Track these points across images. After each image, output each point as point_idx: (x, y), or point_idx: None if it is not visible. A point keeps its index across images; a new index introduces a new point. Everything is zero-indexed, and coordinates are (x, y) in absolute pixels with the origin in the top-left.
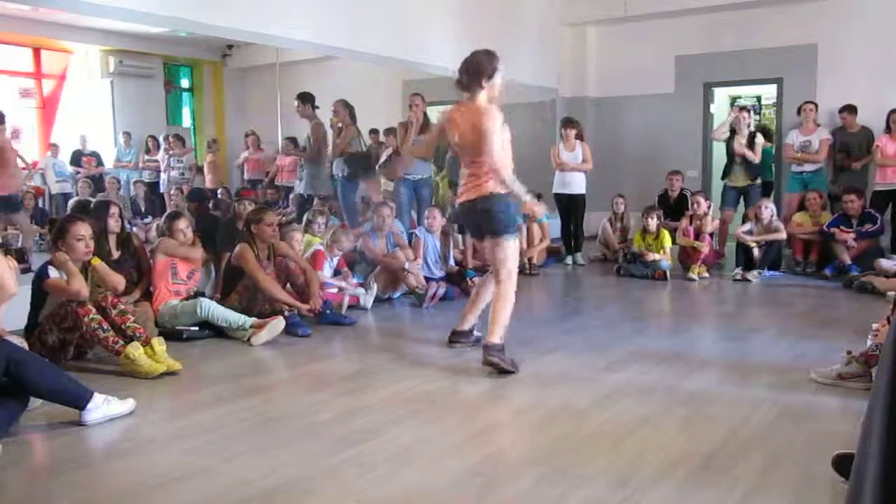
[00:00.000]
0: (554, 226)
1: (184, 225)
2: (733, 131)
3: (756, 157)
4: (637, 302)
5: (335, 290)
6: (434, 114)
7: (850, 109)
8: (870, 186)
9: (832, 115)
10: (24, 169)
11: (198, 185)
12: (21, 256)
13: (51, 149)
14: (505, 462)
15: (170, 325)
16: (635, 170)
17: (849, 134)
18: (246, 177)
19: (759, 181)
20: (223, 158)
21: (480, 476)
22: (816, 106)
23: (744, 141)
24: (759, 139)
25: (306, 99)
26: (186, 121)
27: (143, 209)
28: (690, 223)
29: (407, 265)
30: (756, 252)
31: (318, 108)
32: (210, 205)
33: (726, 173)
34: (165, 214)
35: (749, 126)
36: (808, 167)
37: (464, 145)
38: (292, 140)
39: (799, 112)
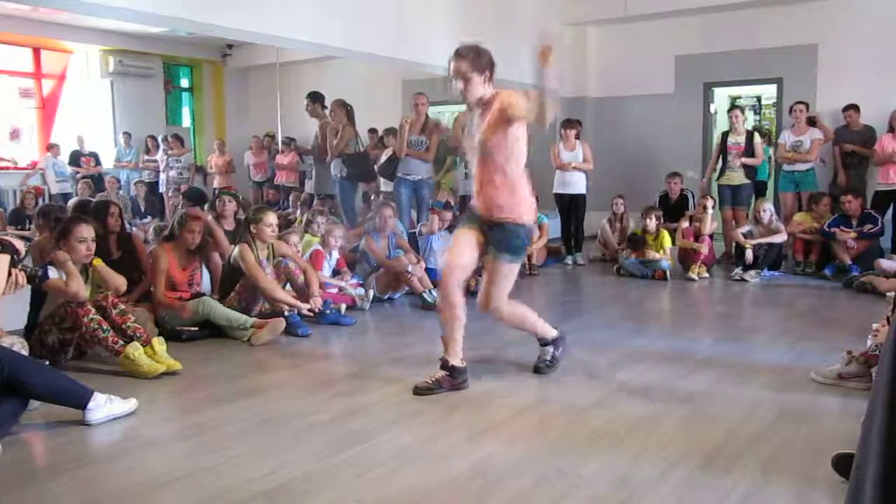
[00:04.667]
0: (554, 226)
1: (198, 228)
2: (727, 132)
3: (758, 160)
4: (637, 302)
5: (335, 290)
6: (434, 114)
7: (855, 108)
8: (871, 186)
9: (832, 115)
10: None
11: (197, 186)
12: (33, 278)
13: (51, 149)
14: (505, 462)
15: (170, 325)
16: (635, 170)
17: (853, 132)
18: (254, 178)
19: (750, 181)
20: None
21: (480, 476)
22: (807, 106)
23: (741, 140)
24: (758, 138)
25: (316, 98)
26: (186, 121)
27: (142, 209)
28: (689, 224)
29: (410, 268)
30: (749, 254)
31: (326, 107)
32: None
33: (721, 173)
34: (183, 211)
35: (744, 123)
36: (799, 166)
37: None
38: (290, 140)
39: (791, 112)
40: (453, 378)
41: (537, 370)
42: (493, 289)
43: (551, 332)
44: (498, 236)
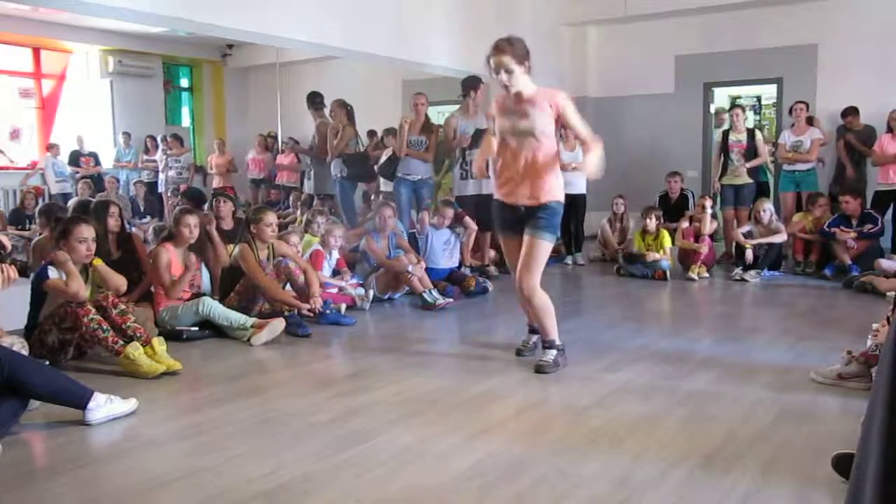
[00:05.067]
0: None
1: (193, 221)
2: (727, 131)
3: (763, 158)
4: (637, 302)
5: (335, 290)
6: (434, 114)
7: (853, 112)
8: (871, 186)
9: (832, 116)
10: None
11: (196, 186)
12: (24, 270)
13: (50, 149)
14: (505, 462)
15: (170, 325)
16: (635, 170)
17: (854, 132)
18: (249, 176)
19: (753, 180)
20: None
21: (480, 476)
22: (807, 105)
23: (742, 137)
24: (759, 135)
25: (311, 98)
26: (186, 121)
27: (142, 209)
28: (689, 224)
29: (410, 268)
30: (749, 254)
31: (324, 106)
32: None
33: (723, 173)
34: (177, 209)
35: (745, 122)
36: (800, 166)
37: None
38: (292, 140)
39: (790, 112)
40: (564, 353)
41: (540, 370)
42: (530, 265)
43: (558, 338)
44: (541, 217)
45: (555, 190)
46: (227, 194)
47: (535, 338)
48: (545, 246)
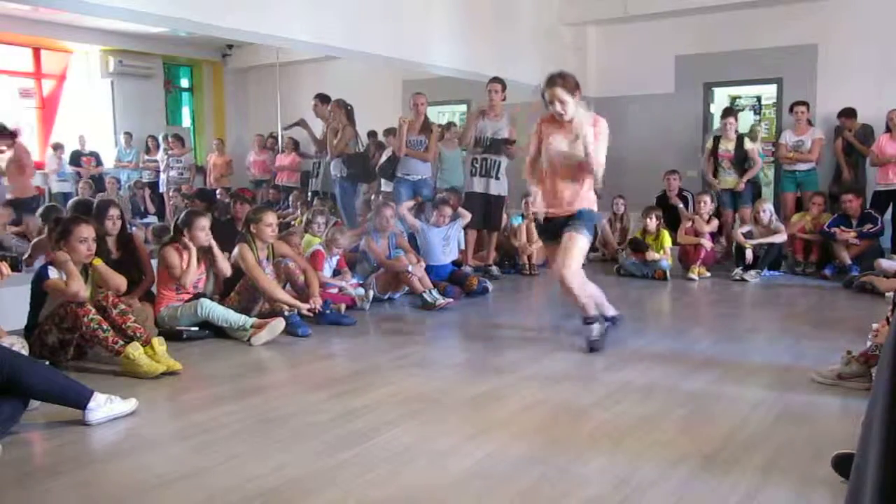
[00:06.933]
0: None
1: (205, 224)
2: (718, 137)
3: (756, 167)
4: (637, 302)
5: (335, 290)
6: (434, 114)
7: (848, 113)
8: (870, 187)
9: (830, 116)
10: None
11: (199, 186)
12: (15, 263)
13: (56, 149)
14: (505, 462)
15: (170, 325)
16: (635, 170)
17: (853, 132)
18: (249, 177)
19: (746, 183)
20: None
21: (480, 476)
22: (808, 106)
23: (731, 147)
24: (749, 143)
25: (325, 99)
26: (186, 121)
27: (143, 209)
28: (691, 224)
29: (410, 268)
30: (749, 253)
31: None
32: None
33: (714, 177)
34: (185, 212)
35: (736, 130)
36: (801, 166)
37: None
38: (293, 140)
39: (791, 111)
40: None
41: (594, 347)
42: (566, 257)
43: (594, 311)
44: (578, 219)
45: (589, 198)
46: (245, 196)
47: (594, 328)
48: (582, 241)
